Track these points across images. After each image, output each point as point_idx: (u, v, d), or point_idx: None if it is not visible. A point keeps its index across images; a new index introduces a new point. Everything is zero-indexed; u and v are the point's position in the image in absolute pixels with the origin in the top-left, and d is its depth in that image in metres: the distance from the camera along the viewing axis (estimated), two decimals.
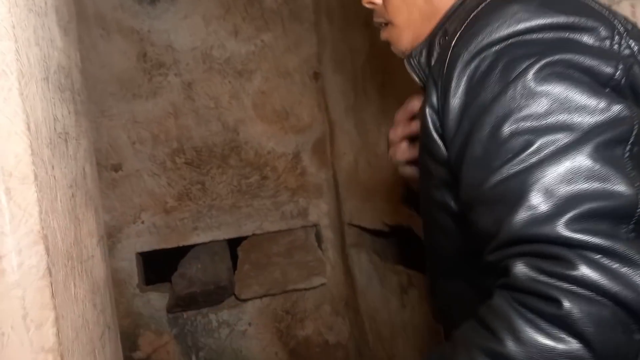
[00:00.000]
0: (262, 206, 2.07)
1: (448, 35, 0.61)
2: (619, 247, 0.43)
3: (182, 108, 1.98)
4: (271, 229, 2.08)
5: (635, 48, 0.53)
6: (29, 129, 0.52)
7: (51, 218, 0.55)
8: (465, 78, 0.53)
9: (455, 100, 0.54)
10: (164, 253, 1.96)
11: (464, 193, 0.54)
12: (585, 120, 0.46)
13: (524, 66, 0.49)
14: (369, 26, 1.71)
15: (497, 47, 0.51)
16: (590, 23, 0.52)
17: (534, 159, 0.46)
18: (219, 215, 2.01)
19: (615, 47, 0.51)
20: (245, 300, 2.02)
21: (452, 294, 0.71)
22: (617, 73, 0.50)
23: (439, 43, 0.63)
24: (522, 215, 0.45)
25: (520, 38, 0.51)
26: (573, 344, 0.42)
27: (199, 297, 1.90)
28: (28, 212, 0.51)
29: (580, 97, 0.47)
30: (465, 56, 0.53)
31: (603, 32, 0.52)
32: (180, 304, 1.89)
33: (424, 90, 0.66)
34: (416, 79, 0.68)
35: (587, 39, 0.51)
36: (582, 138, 0.46)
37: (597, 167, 0.45)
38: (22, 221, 0.51)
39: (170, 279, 1.95)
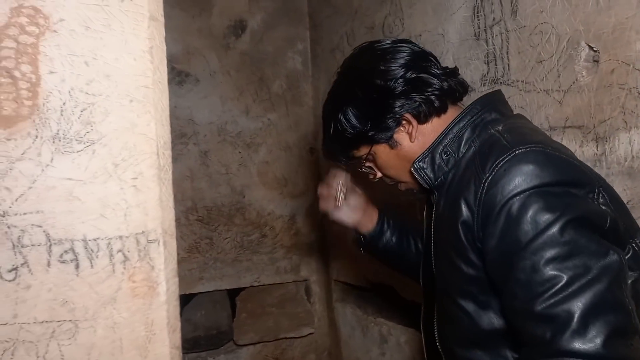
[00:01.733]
0: (260, 261, 2.35)
1: (450, 154, 0.87)
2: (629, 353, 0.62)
3: (197, 172, 2.29)
4: (267, 282, 2.35)
5: (607, 197, 0.73)
6: (161, 205, 0.83)
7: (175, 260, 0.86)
8: (503, 215, 0.71)
9: (497, 231, 0.72)
10: None
11: (510, 303, 0.72)
12: (597, 262, 0.64)
13: (549, 218, 0.66)
14: None
15: (522, 195, 0.71)
16: (579, 178, 0.72)
17: (567, 291, 0.63)
18: (223, 267, 2.28)
19: (597, 198, 0.71)
20: (241, 346, 2.25)
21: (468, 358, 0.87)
22: (607, 225, 0.69)
23: (442, 158, 0.88)
24: (568, 334, 0.62)
25: (537, 190, 0.70)
26: None
27: (202, 341, 2.13)
28: (172, 255, 0.81)
29: (591, 245, 0.65)
30: (503, 199, 0.72)
31: (588, 188, 0.72)
32: (185, 346, 2.11)
33: (425, 190, 0.94)
34: (421, 181, 0.92)
35: (579, 192, 0.70)
36: (598, 275, 0.63)
37: (614, 297, 0.62)
38: (169, 260, 0.81)
39: None
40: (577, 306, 0.63)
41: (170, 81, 2.36)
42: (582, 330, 0.62)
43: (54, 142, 0.75)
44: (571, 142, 1.16)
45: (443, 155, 0.89)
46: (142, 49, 0.81)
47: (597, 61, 1.10)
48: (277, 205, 2.41)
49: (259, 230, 2.36)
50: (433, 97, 0.92)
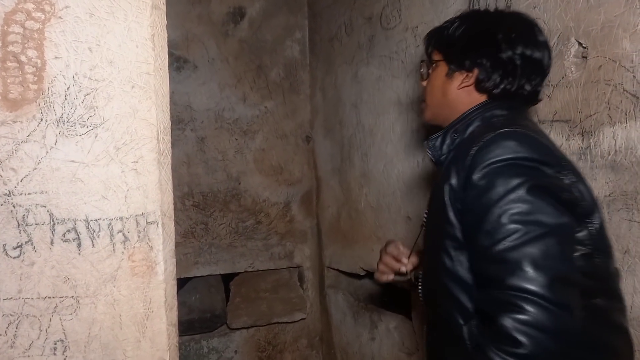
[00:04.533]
0: (254, 247, 2.39)
1: (458, 134, 0.96)
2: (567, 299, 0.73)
3: (194, 158, 2.32)
4: (261, 268, 2.39)
5: (572, 179, 0.83)
6: (160, 188, 0.86)
7: (173, 241, 0.89)
8: (483, 178, 0.82)
9: (474, 190, 0.83)
10: None
11: (476, 250, 0.83)
12: (550, 220, 0.76)
13: (518, 181, 0.79)
14: (357, 107, 2.13)
15: (500, 164, 0.82)
16: (550, 160, 0.82)
17: (523, 239, 0.75)
18: (217, 253, 2.31)
19: (562, 178, 0.82)
20: (234, 330, 2.30)
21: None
22: (567, 199, 0.80)
23: (451, 137, 0.97)
24: (518, 274, 0.74)
25: (512, 161, 0.81)
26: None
27: (196, 324, 2.17)
28: (170, 237, 0.85)
29: (548, 208, 0.77)
30: (483, 164, 0.83)
31: (557, 168, 0.82)
32: (180, 328, 2.15)
33: (434, 164, 1.03)
34: (430, 155, 1.02)
35: (547, 170, 0.81)
36: (550, 231, 0.75)
37: (562, 250, 0.74)
38: (167, 242, 0.84)
39: None
40: (529, 253, 0.74)
41: (168, 66, 2.37)
42: (530, 273, 0.73)
43: (58, 125, 0.78)
44: (558, 136, 1.19)
45: (453, 134, 0.98)
46: (144, 36, 0.83)
47: (585, 57, 1.13)
48: (272, 192, 2.44)
49: (254, 216, 2.40)
50: (508, 87, 0.96)
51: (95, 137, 0.82)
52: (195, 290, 2.24)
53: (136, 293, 0.80)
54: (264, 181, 2.44)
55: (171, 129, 2.36)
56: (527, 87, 0.97)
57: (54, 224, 0.77)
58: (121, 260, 0.79)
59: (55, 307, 0.77)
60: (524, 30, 0.98)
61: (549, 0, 1.20)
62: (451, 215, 0.88)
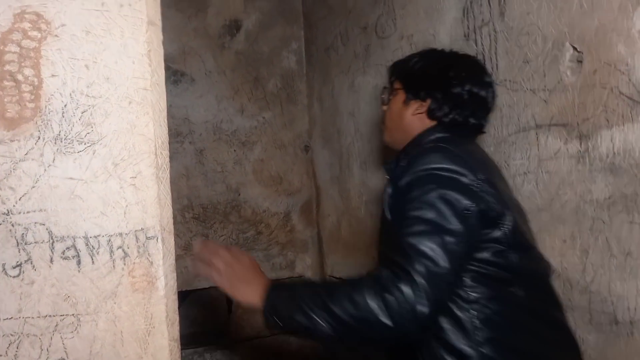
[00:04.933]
0: (255, 257, 2.35)
1: (408, 155, 1.05)
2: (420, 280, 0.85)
3: (193, 171, 2.32)
4: None
5: (487, 189, 0.93)
6: (159, 203, 0.86)
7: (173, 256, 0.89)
8: (407, 183, 0.96)
9: (400, 194, 0.98)
10: None
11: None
12: (444, 224, 0.89)
13: (431, 187, 0.92)
14: (354, 116, 2.14)
15: (422, 172, 0.95)
16: (467, 172, 0.93)
17: (418, 232, 0.89)
18: None
19: (475, 188, 0.93)
20: (238, 342, 2.28)
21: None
22: (472, 205, 0.91)
23: (403, 158, 1.07)
24: (400, 255, 0.88)
25: (431, 171, 0.94)
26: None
27: (199, 337, 2.16)
28: (170, 251, 0.84)
29: (448, 213, 0.89)
30: (409, 172, 0.97)
31: (471, 177, 0.93)
32: (182, 341, 2.13)
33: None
34: (387, 176, 1.12)
35: (464, 179, 0.93)
36: (444, 230, 0.88)
37: (444, 249, 0.86)
38: (167, 256, 0.84)
39: None
40: (412, 240, 0.88)
41: (165, 80, 2.38)
42: (405, 255, 0.87)
43: (55, 143, 0.78)
44: (556, 140, 1.20)
45: (404, 156, 1.08)
46: (140, 52, 0.84)
47: (580, 62, 1.13)
48: (272, 202, 2.44)
49: (254, 227, 2.39)
50: (456, 118, 1.11)
51: (93, 153, 0.82)
52: (198, 303, 2.23)
53: (137, 309, 0.80)
54: (264, 192, 2.44)
55: (170, 142, 2.36)
56: (472, 120, 1.11)
57: (53, 241, 0.77)
58: (121, 277, 0.79)
59: (56, 325, 0.76)
60: (473, 71, 1.15)
61: (542, 6, 1.20)
62: (387, 214, 1.05)
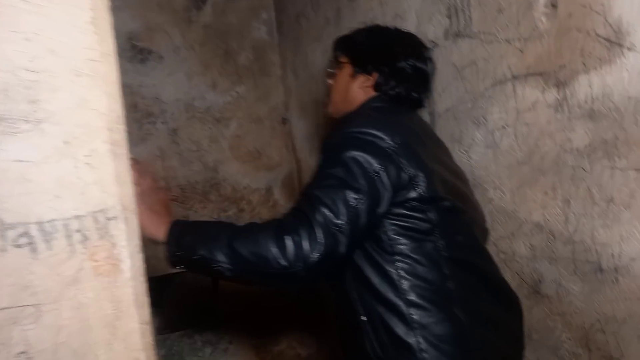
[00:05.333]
0: None
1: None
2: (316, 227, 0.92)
3: (168, 151, 2.25)
4: None
5: (403, 152, 0.97)
6: (118, 181, 0.81)
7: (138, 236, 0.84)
8: (328, 143, 1.04)
9: (322, 153, 1.04)
10: (154, 280, 2.18)
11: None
12: (351, 182, 0.94)
13: (347, 147, 0.97)
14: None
15: (343, 136, 1.01)
16: (384, 136, 0.98)
17: (324, 185, 0.94)
18: None
19: (390, 152, 0.97)
20: (226, 320, 2.26)
21: None
22: (382, 168, 0.96)
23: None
24: (304, 201, 0.95)
25: (351, 134, 1.00)
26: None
27: (187, 319, 2.13)
28: (135, 231, 0.80)
29: (358, 173, 0.94)
30: (334, 134, 1.04)
31: (389, 141, 0.98)
32: (170, 325, 2.11)
33: None
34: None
35: (381, 143, 0.97)
36: (349, 187, 0.93)
37: (337, 202, 0.92)
38: (132, 237, 0.79)
39: (159, 304, 2.16)
40: (319, 193, 0.94)
41: (132, 59, 2.29)
42: (309, 205, 0.93)
43: (0, 124, 0.72)
44: (533, 90, 1.16)
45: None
46: (85, 20, 0.77)
47: (555, 6, 1.09)
48: (252, 178, 2.39)
49: (236, 205, 2.35)
50: (400, 92, 1.18)
51: (42, 132, 0.75)
52: (183, 285, 2.20)
53: (103, 294, 0.75)
54: (243, 168, 2.38)
55: (141, 123, 2.28)
56: (414, 94, 1.19)
57: (4, 229, 0.72)
58: (82, 261, 0.74)
59: (15, 317, 0.71)
60: (415, 46, 1.23)
61: None
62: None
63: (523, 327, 1.10)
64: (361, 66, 1.20)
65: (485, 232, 1.19)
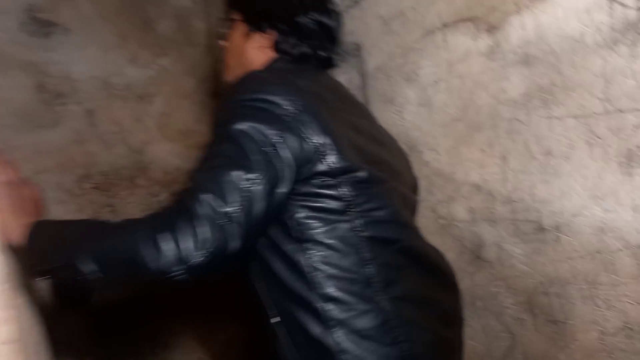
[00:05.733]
0: None
1: None
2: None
3: (85, 135, 2.03)
4: None
5: (305, 121, 0.82)
6: None
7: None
8: (220, 114, 0.86)
9: (215, 126, 0.88)
10: None
11: None
12: (242, 161, 0.77)
13: (235, 121, 0.80)
14: None
15: (231, 105, 0.85)
16: (281, 101, 0.82)
17: (213, 170, 0.77)
18: None
19: (288, 119, 0.82)
20: (166, 311, 2.11)
21: None
22: (280, 140, 0.80)
23: None
24: (191, 192, 0.77)
25: (241, 102, 0.83)
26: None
27: (121, 314, 1.96)
28: None
29: (251, 148, 0.78)
30: (224, 102, 0.87)
31: (286, 107, 0.82)
32: (102, 323, 1.94)
33: None
34: None
35: (277, 110, 0.82)
36: (241, 167, 0.77)
37: (222, 184, 0.75)
38: None
39: (87, 301, 1.98)
40: (201, 177, 0.77)
41: (33, 34, 2.03)
42: (190, 193, 0.75)
43: None
44: (465, 37, 1.05)
45: None
46: None
47: None
48: (184, 159, 2.21)
49: (167, 188, 2.17)
50: (304, 50, 1.01)
51: None
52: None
53: None
54: (173, 148, 2.20)
55: (51, 105, 2.02)
56: (321, 52, 1.02)
57: None
58: None
59: None
60: None
61: None
62: None
63: (460, 303, 0.99)
64: (255, 23, 1.03)
65: (413, 203, 1.04)
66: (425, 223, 1.22)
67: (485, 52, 1.02)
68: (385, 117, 1.29)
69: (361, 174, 0.86)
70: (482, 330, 1.15)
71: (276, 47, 1.01)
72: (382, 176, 0.90)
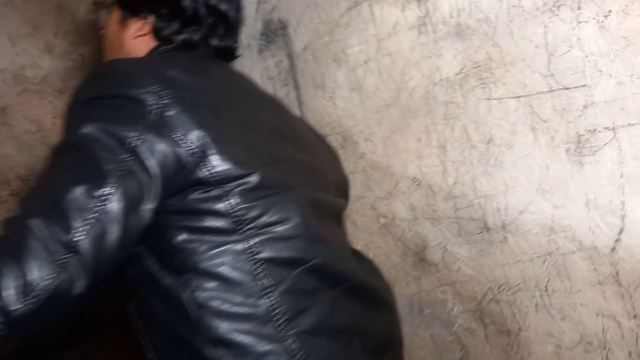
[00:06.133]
0: None
1: None
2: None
3: None
4: None
5: (177, 125, 0.67)
6: None
7: None
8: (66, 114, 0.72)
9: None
10: None
11: None
12: (91, 175, 0.62)
13: (83, 125, 0.64)
14: None
15: (81, 104, 0.69)
16: (146, 97, 0.66)
17: (51, 189, 0.62)
18: None
19: (155, 117, 0.66)
20: (104, 324, 1.94)
21: None
22: (138, 144, 0.64)
23: None
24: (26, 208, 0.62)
25: (92, 101, 0.67)
26: None
27: (55, 332, 1.79)
28: None
29: (99, 155, 0.62)
30: (71, 99, 0.71)
31: (152, 103, 0.66)
32: (34, 343, 1.76)
33: None
34: None
35: (139, 108, 0.65)
36: (91, 181, 0.61)
37: (62, 200, 0.60)
38: None
39: None
40: (34, 200, 0.62)
41: None
42: (20, 220, 0.60)
43: None
44: (392, 9, 0.90)
45: None
46: None
47: None
48: None
49: None
50: (190, 37, 0.84)
51: None
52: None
53: None
54: None
55: None
56: (214, 41, 0.86)
57: None
58: None
59: None
60: None
61: None
62: None
63: (395, 322, 0.82)
64: (130, 7, 0.87)
65: (335, 209, 0.86)
66: (366, 222, 1.08)
67: (414, 24, 0.87)
68: (318, 104, 1.13)
69: (253, 178, 0.69)
70: (432, 339, 1.03)
71: (156, 34, 0.84)
72: (284, 180, 0.73)
